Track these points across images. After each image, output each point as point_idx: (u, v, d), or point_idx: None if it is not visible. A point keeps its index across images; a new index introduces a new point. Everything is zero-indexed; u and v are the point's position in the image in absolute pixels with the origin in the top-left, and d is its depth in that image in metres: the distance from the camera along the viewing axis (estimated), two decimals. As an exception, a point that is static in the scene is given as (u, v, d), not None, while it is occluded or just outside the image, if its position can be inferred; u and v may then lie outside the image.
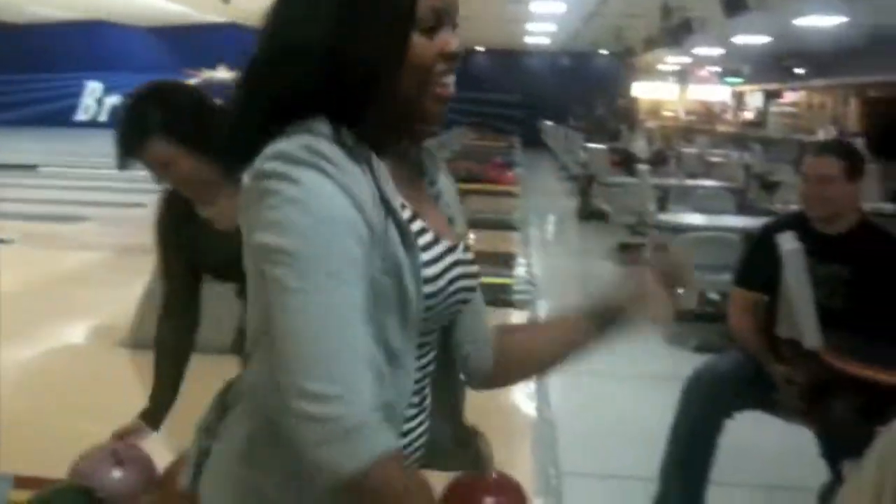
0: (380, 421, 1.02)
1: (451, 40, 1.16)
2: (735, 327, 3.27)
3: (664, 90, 21.45)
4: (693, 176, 10.18)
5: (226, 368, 2.39)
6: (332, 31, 1.10)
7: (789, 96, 16.33)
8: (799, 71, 14.32)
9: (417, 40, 1.13)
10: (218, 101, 2.26)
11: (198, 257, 2.28)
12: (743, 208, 8.22)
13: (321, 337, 1.01)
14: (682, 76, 20.72)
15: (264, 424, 1.13)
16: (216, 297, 2.35)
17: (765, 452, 4.00)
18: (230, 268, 2.23)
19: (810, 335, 2.84)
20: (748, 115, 17.49)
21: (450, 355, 1.31)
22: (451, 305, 1.20)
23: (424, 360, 1.23)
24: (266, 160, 1.06)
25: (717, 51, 14.62)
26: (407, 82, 1.13)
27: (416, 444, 1.24)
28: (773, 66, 15.31)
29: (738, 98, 18.54)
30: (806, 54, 13.57)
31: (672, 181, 8.99)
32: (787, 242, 2.88)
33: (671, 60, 17.70)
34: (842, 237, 3.18)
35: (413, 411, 1.21)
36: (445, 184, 1.31)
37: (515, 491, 2.09)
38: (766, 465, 3.96)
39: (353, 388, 1.00)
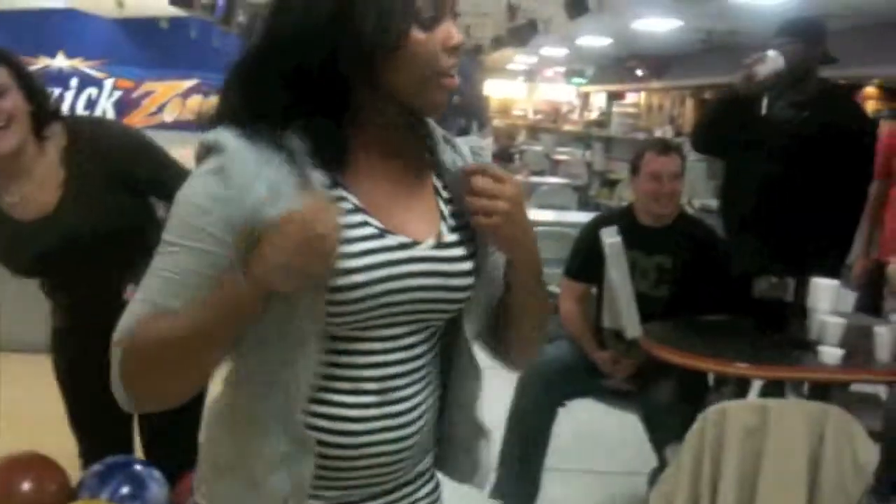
0: (120, 343, 1.14)
1: (452, 32, 1.15)
2: (563, 317, 3.38)
3: (514, 89, 21.85)
4: (539, 173, 10.43)
5: (42, 368, 2.32)
6: (329, 19, 1.10)
7: (631, 97, 16.88)
8: (639, 73, 14.81)
9: (418, 35, 1.12)
10: (54, 89, 2.21)
11: (2, 253, 2.16)
12: (585, 204, 8.48)
13: (139, 291, 1.16)
14: (530, 75, 21.15)
15: (218, 405, 1.27)
16: (30, 294, 2.25)
17: (602, 440, 4.14)
18: (37, 260, 2.15)
19: (631, 325, 2.96)
20: (593, 114, 17.99)
21: (464, 352, 1.29)
22: (397, 304, 1.17)
23: (401, 355, 1.21)
24: (197, 146, 1.16)
25: (562, 51, 14.98)
26: (410, 76, 1.13)
27: (386, 437, 1.22)
28: (615, 68, 15.82)
29: (584, 98, 19.06)
30: (645, 57, 14.08)
31: (517, 178, 9.18)
32: (609, 236, 2.99)
33: (520, 60, 18.03)
34: (665, 229, 3.34)
35: (370, 399, 1.20)
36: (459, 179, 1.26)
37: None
38: (603, 452, 4.10)
39: (125, 321, 1.15)
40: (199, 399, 2.06)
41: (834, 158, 3.60)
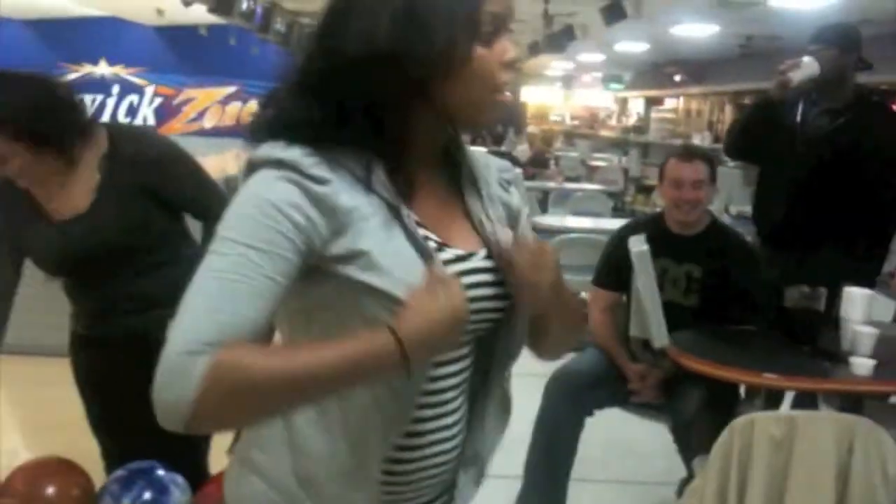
0: (201, 354, 1.02)
1: (509, 48, 1.15)
2: (592, 325, 3.35)
3: (550, 95, 21.81)
4: (574, 179, 10.39)
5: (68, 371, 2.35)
6: (393, 37, 1.09)
7: (669, 102, 16.78)
8: (677, 78, 14.72)
9: (479, 51, 1.12)
10: (88, 96, 2.22)
11: (33, 251, 2.21)
12: (620, 211, 8.42)
13: (201, 292, 1.06)
14: (567, 81, 21.10)
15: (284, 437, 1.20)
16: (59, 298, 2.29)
17: (632, 450, 4.10)
18: (63, 259, 2.18)
19: (658, 335, 2.93)
20: (630, 120, 17.91)
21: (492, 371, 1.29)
22: None
23: (450, 369, 1.22)
24: (256, 156, 1.12)
25: (599, 57, 14.93)
26: (468, 92, 1.13)
27: (437, 450, 1.24)
28: (653, 73, 15.73)
29: (622, 104, 18.98)
30: (683, 62, 13.98)
31: (552, 184, 9.15)
32: (636, 244, 2.96)
33: (557, 66, 18.00)
34: (695, 237, 3.30)
35: (427, 413, 1.21)
36: (498, 193, 1.29)
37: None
38: (633, 462, 4.06)
39: (182, 330, 1.04)
40: None
41: (869, 166, 3.55)
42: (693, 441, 2.93)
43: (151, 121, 15.27)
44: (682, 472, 3.22)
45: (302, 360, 1.06)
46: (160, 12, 12.27)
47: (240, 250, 1.06)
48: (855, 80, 3.70)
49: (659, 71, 15.02)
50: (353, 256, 1.10)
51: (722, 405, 3.01)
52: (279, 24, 11.01)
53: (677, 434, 3.13)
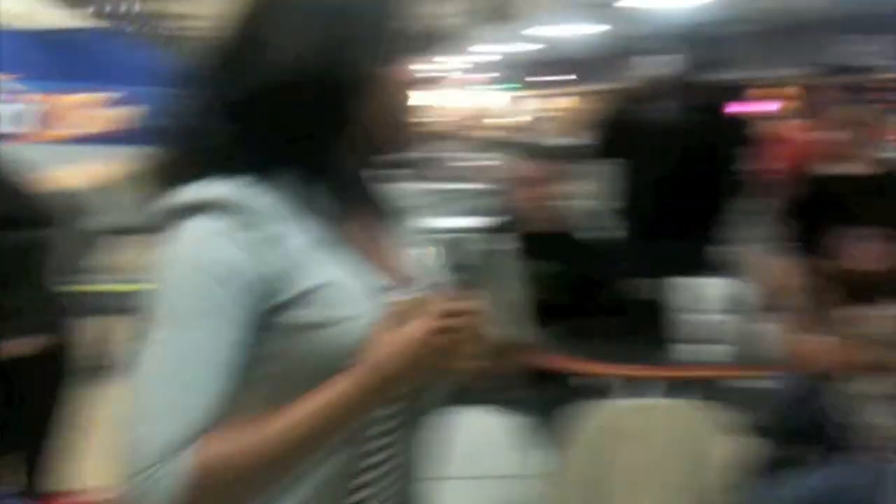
0: (180, 457, 0.96)
1: (417, 64, 1.15)
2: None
3: (439, 96, 21.95)
4: (458, 179, 10.44)
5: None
6: (315, 61, 1.06)
7: (560, 102, 17.09)
8: (566, 77, 15.02)
9: (392, 69, 1.11)
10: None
11: None
12: (506, 210, 8.49)
13: (158, 384, 0.99)
14: (455, 83, 21.27)
15: None
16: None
17: (504, 444, 4.15)
18: None
19: (516, 332, 2.98)
20: (521, 119, 18.17)
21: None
22: None
23: (384, 426, 1.13)
24: (183, 200, 1.04)
25: (487, 58, 15.12)
26: (385, 111, 1.11)
27: (381, 472, 1.15)
28: (544, 73, 16.01)
29: (511, 103, 19.23)
30: (569, 62, 14.27)
31: (439, 185, 9.18)
32: (491, 243, 3.01)
33: (445, 67, 18.14)
34: (556, 235, 3.36)
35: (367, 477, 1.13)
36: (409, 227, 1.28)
37: None
38: (506, 456, 4.10)
39: (151, 435, 0.97)
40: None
41: (720, 159, 3.70)
42: (550, 433, 2.99)
43: (30, 128, 14.82)
44: (547, 465, 3.28)
45: (284, 425, 1.01)
46: (32, 17, 11.87)
47: (189, 325, 1.00)
48: (709, 78, 3.85)
49: (547, 71, 15.29)
50: (302, 295, 1.05)
51: (581, 398, 3.07)
52: (159, 29, 10.81)
53: (539, 427, 3.19)
